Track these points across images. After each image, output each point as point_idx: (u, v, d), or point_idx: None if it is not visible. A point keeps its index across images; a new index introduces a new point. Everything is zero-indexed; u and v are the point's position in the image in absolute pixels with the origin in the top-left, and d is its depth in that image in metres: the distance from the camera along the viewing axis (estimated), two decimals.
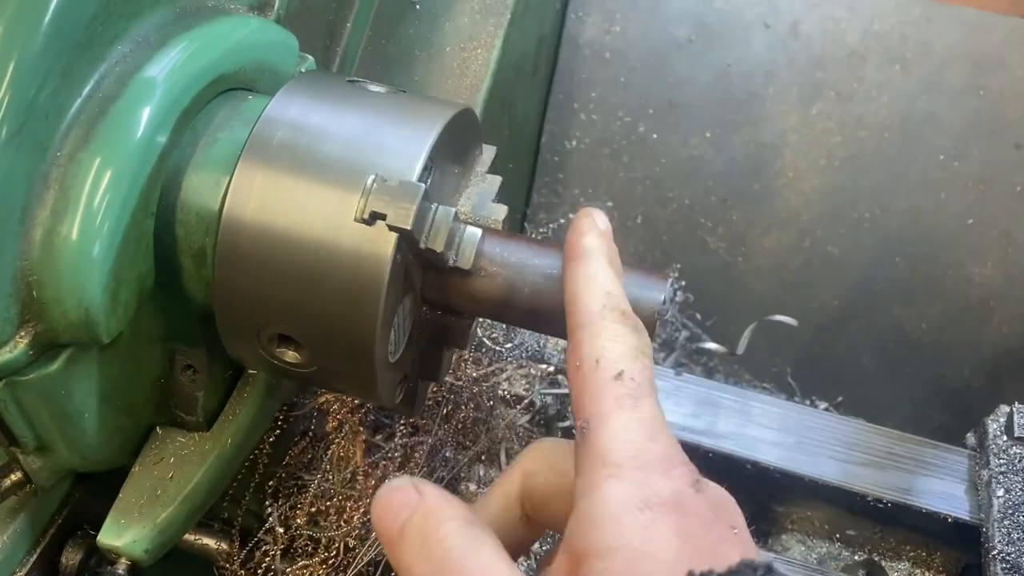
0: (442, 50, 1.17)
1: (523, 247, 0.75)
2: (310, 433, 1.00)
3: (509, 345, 1.02)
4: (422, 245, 0.68)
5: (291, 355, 0.72)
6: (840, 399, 1.46)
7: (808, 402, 1.47)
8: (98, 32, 0.67)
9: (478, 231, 0.73)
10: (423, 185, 0.66)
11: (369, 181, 0.66)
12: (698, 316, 1.45)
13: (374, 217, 0.65)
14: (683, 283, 1.40)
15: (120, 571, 0.79)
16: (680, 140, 1.42)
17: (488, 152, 0.85)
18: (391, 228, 0.65)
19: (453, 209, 0.70)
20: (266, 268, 0.67)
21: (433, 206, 0.69)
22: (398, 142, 0.70)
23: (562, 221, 1.42)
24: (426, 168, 0.69)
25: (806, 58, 1.38)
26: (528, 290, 0.74)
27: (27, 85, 0.62)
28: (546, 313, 0.74)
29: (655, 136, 1.42)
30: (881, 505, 0.92)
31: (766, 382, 1.47)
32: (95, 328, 0.67)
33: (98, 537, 0.78)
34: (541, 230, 1.47)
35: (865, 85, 1.37)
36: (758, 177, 1.41)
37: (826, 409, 1.47)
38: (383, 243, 0.66)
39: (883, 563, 0.97)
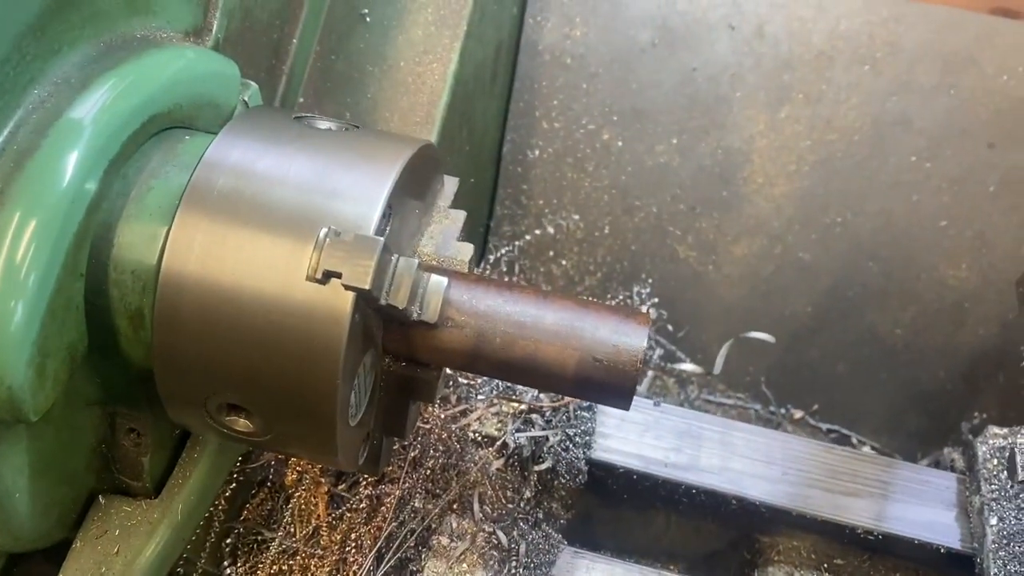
0: (396, 65, 1.11)
1: (492, 293, 0.70)
2: (268, 483, 0.93)
3: (479, 381, 0.96)
4: (382, 302, 0.63)
5: (243, 424, 0.65)
6: (815, 407, 1.43)
7: (783, 410, 1.44)
8: (9, 77, 0.60)
9: (443, 280, 0.67)
10: (381, 239, 0.60)
11: (322, 235, 0.60)
12: (670, 327, 1.41)
13: (328, 276, 0.59)
14: (656, 300, 1.36)
15: None
16: (646, 147, 1.37)
17: (450, 184, 0.80)
18: (347, 287, 0.59)
19: (416, 260, 0.64)
20: (211, 331, 0.61)
21: (394, 258, 0.63)
22: (353, 187, 0.63)
23: (528, 237, 1.37)
24: (384, 215, 0.63)
25: (773, 60, 1.33)
26: (500, 340, 0.68)
27: None
28: (519, 363, 0.69)
29: (620, 144, 1.37)
30: (872, 537, 0.88)
31: (740, 392, 1.43)
32: (20, 407, 0.60)
33: None
34: (505, 244, 1.42)
35: (834, 87, 1.33)
36: (727, 184, 1.37)
37: (801, 417, 1.44)
38: (340, 300, 0.60)
39: None
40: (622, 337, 0.67)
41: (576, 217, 1.40)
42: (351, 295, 0.60)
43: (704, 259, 1.39)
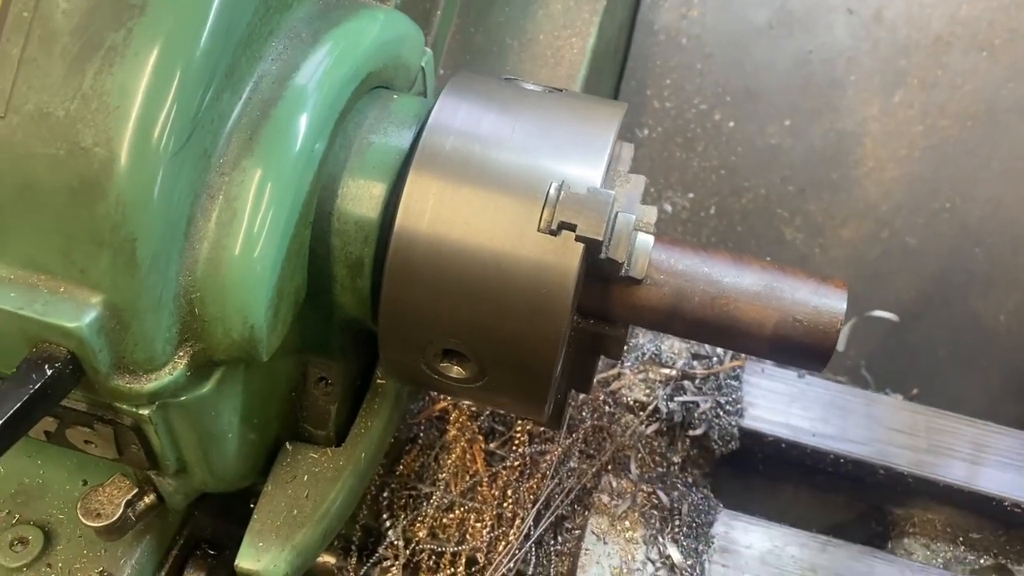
0: (535, 38, 1.12)
1: (689, 254, 0.72)
2: (418, 441, 0.96)
3: (624, 348, 0.98)
4: (603, 255, 0.65)
5: (456, 370, 0.68)
6: (915, 391, 1.44)
7: (883, 394, 1.44)
8: (257, 28, 0.62)
9: (650, 239, 0.69)
10: (612, 193, 0.62)
11: (552, 190, 0.62)
12: None
13: (562, 227, 0.61)
14: None
15: None
16: (757, 128, 1.38)
17: (627, 150, 0.81)
18: (579, 239, 0.61)
19: (633, 216, 0.66)
20: (441, 282, 0.63)
21: (614, 214, 0.65)
22: (576, 148, 0.65)
23: None
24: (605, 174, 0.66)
25: (890, 44, 1.34)
26: (698, 299, 0.70)
27: (194, 91, 0.57)
28: (717, 323, 0.70)
29: (731, 124, 1.39)
30: (1018, 510, 0.90)
31: (840, 375, 1.44)
32: (258, 346, 0.63)
33: (236, 561, 0.74)
34: None
35: (949, 72, 1.33)
36: (837, 166, 1.38)
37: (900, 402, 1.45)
38: (569, 254, 0.62)
39: (1011, 566, 0.95)
40: (822, 299, 0.69)
41: (684, 197, 1.42)
42: (580, 249, 0.62)
43: (811, 241, 1.41)
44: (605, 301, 0.71)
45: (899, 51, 1.35)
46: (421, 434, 0.96)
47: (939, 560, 0.96)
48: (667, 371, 0.94)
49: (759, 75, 1.37)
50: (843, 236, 1.41)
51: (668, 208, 1.41)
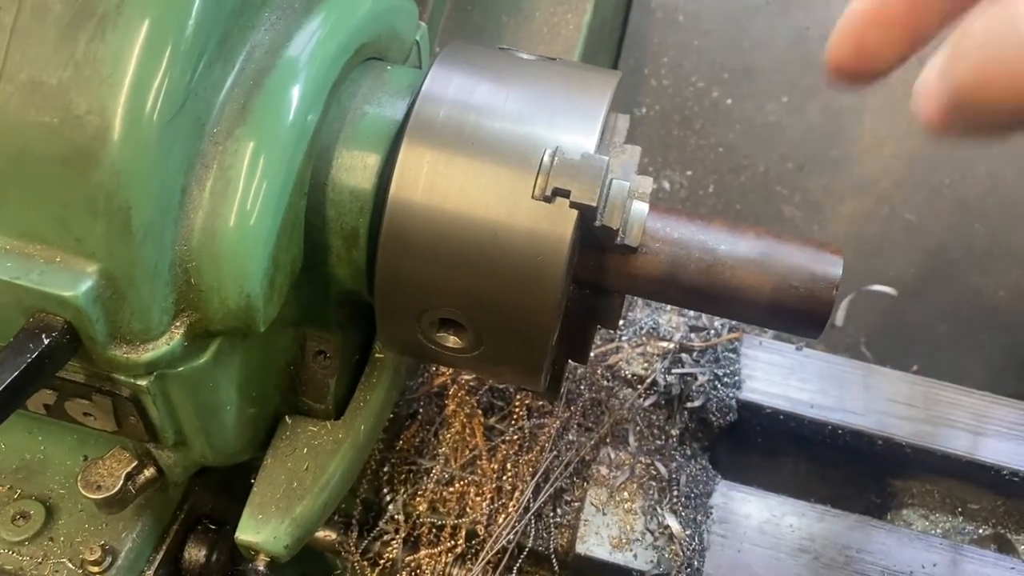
0: (531, 16, 1.12)
1: (684, 221, 0.72)
2: (418, 417, 0.96)
3: (621, 322, 0.98)
4: (598, 222, 0.65)
5: (453, 340, 0.68)
6: (915, 368, 1.44)
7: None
8: None
9: (645, 206, 0.69)
10: (607, 159, 0.62)
11: (546, 157, 0.62)
12: None
13: (556, 194, 0.61)
14: None
15: (260, 568, 0.75)
16: (755, 106, 1.38)
17: (623, 121, 0.81)
18: (574, 205, 0.61)
19: (627, 184, 0.66)
20: (436, 251, 0.63)
21: (608, 180, 0.65)
22: (570, 115, 0.65)
23: None
24: (598, 143, 0.66)
25: None
26: (694, 266, 0.70)
27: (186, 59, 0.57)
28: (712, 290, 0.71)
29: (729, 102, 1.38)
30: (1017, 479, 0.90)
31: (840, 352, 1.44)
32: (254, 316, 0.63)
33: (236, 534, 0.75)
34: None
35: None
36: (836, 143, 1.38)
37: None
38: (563, 222, 0.62)
39: (1009, 536, 0.95)
40: (818, 265, 0.69)
41: (682, 175, 1.42)
42: (574, 216, 0.62)
43: (810, 219, 1.41)
44: (601, 270, 0.71)
45: None
46: (420, 410, 0.96)
47: (938, 530, 0.96)
48: (665, 344, 0.94)
49: (757, 52, 1.37)
50: (842, 213, 1.41)
51: (667, 186, 1.41)
